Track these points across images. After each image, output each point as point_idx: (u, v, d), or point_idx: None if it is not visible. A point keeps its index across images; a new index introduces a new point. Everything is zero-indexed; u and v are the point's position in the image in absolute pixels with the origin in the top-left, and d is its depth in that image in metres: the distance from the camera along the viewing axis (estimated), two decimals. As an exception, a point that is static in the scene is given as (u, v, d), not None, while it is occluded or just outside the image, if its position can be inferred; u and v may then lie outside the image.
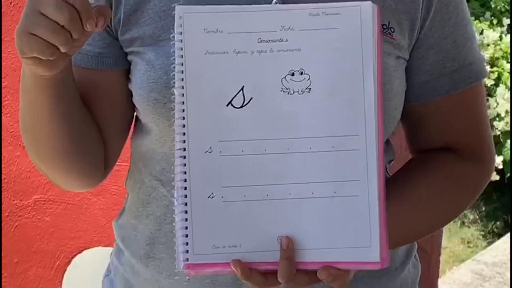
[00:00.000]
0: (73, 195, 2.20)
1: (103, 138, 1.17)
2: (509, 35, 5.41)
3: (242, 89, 0.99)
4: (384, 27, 1.10)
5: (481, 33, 5.43)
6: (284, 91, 0.99)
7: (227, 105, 0.99)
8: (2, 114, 2.22)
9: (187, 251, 0.99)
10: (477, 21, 5.65)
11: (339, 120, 0.99)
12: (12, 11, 2.10)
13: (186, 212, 0.99)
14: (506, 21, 5.67)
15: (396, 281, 1.24)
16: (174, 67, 1.00)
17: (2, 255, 2.32)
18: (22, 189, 2.26)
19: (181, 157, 0.99)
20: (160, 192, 1.17)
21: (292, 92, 0.99)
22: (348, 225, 0.99)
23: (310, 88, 0.99)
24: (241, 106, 0.99)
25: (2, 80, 2.19)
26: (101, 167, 1.19)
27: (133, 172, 1.23)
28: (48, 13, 0.95)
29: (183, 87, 0.99)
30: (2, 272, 2.32)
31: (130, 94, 1.16)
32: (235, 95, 0.99)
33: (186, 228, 0.99)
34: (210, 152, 0.99)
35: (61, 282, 2.29)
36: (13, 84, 2.19)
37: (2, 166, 2.27)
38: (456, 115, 1.19)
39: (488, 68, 5.17)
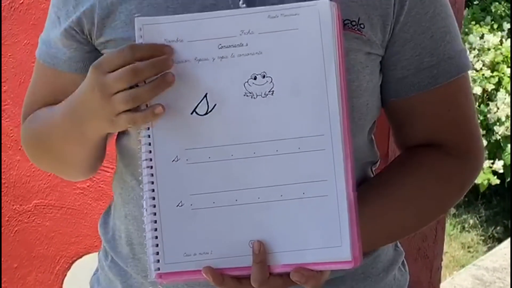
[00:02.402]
0: (73, 200, 2.20)
1: None
2: (509, 40, 5.41)
3: (205, 96, 0.99)
4: (354, 23, 1.10)
5: (482, 37, 5.43)
6: (247, 96, 0.99)
7: (192, 113, 0.99)
8: (2, 118, 2.22)
9: (158, 261, 1.00)
10: (477, 25, 5.65)
11: (303, 121, 0.99)
12: (13, 15, 2.09)
13: (155, 222, 1.00)
14: (507, 26, 5.67)
15: (379, 285, 1.23)
16: None
17: (1, 260, 2.31)
18: (22, 194, 2.26)
19: (148, 167, 1.00)
20: (137, 193, 1.17)
21: (255, 96, 0.99)
22: (318, 226, 0.98)
23: (273, 91, 0.99)
24: (206, 113, 0.99)
25: (3, 84, 2.19)
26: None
27: (117, 173, 1.25)
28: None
29: None
30: (1, 277, 2.32)
31: None
32: (199, 103, 0.99)
33: (156, 237, 1.00)
34: (177, 160, 0.99)
35: (61, 287, 2.28)
36: (14, 89, 2.18)
37: (2, 170, 2.26)
38: (438, 110, 1.18)
39: (488, 72, 5.22)
